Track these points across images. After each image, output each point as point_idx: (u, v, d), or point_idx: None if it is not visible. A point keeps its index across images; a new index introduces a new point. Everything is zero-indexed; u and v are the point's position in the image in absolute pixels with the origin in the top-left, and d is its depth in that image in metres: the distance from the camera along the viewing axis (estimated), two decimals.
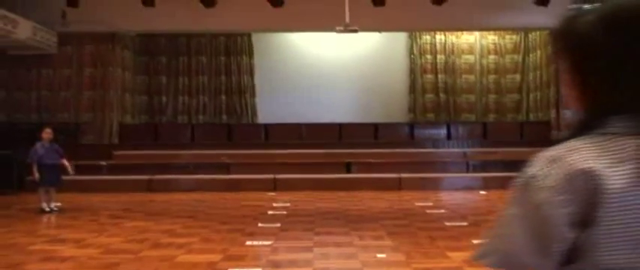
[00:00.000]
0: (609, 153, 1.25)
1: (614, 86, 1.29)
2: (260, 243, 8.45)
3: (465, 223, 10.12)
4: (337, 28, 15.57)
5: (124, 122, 19.36)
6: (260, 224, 10.14)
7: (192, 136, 19.38)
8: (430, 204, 12.69)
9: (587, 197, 1.22)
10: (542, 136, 18.70)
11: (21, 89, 18.80)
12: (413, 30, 20.50)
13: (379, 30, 18.86)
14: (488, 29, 20.29)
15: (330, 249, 8.08)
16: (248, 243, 8.46)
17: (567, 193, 1.23)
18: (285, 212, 11.70)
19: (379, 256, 7.57)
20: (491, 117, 21.09)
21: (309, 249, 7.96)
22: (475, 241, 8.40)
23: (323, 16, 16.50)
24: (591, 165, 1.23)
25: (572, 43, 1.38)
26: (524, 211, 1.27)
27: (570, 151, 1.28)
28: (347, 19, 15.47)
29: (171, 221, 10.65)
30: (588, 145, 1.27)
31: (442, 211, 11.80)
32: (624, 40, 1.28)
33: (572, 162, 1.26)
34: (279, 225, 10.05)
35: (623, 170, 1.22)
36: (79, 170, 15.89)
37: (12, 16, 16.02)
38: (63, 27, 17.96)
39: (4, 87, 18.82)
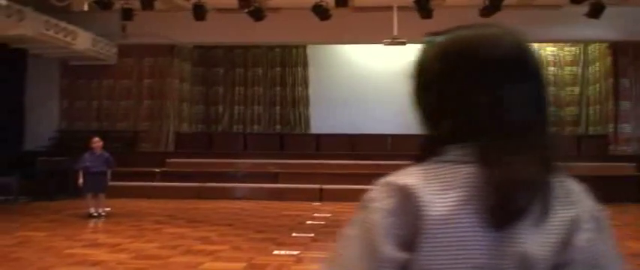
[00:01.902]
0: (439, 180, 1.27)
1: (449, 116, 1.32)
2: (287, 253, 8.58)
3: None
4: (385, 40, 15.62)
5: (181, 131, 19.83)
6: (294, 234, 10.26)
7: (244, 146, 19.69)
8: None
9: (413, 221, 1.24)
10: (600, 150, 18.32)
11: (82, 99, 19.50)
12: None
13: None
14: (541, 42, 19.96)
15: None
16: (275, 252, 8.59)
17: (396, 216, 1.25)
18: (323, 222, 11.80)
19: None
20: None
21: None
22: None
23: (371, 29, 16.59)
24: (417, 190, 1.25)
25: (416, 71, 1.42)
26: (358, 233, 1.29)
27: (404, 176, 1.30)
28: (395, 32, 15.52)
29: (209, 228, 10.89)
30: (421, 172, 1.29)
31: None
32: (457, 73, 1.31)
33: (402, 186, 1.29)
34: (312, 235, 10.16)
35: (449, 197, 1.24)
36: (134, 177, 16.50)
37: (71, 27, 16.66)
38: (123, 39, 18.54)
39: (67, 96, 19.54)
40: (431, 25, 15.37)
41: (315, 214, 12.86)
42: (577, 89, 20.80)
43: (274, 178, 16.94)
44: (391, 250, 1.25)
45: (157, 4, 16.16)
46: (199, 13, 15.96)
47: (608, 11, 16.19)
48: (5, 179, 14.88)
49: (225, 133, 20.95)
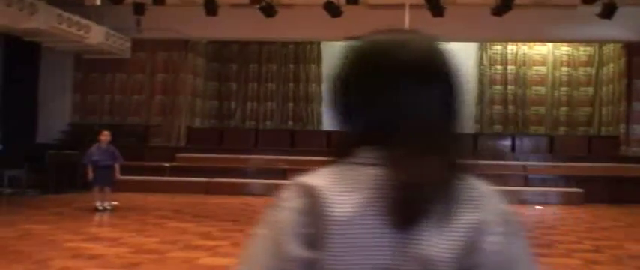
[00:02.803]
0: (346, 181, 1.29)
1: (360, 118, 1.34)
2: None
3: None
4: None
5: (193, 126, 19.92)
6: None
7: (255, 142, 19.74)
8: None
9: (319, 222, 1.26)
10: (611, 151, 18.20)
11: (95, 92, 19.64)
12: (476, 40, 20.26)
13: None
14: (556, 41, 19.86)
15: None
16: None
17: (303, 216, 1.27)
18: None
19: None
20: (562, 130, 20.60)
21: None
22: None
23: (383, 27, 16.48)
24: (324, 191, 1.27)
25: (334, 73, 1.45)
26: (267, 231, 1.32)
27: (314, 177, 1.32)
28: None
29: (212, 224, 10.95)
30: (331, 173, 1.31)
31: None
32: (367, 76, 1.33)
33: (310, 187, 1.32)
34: None
35: (353, 199, 1.26)
36: (144, 172, 16.62)
37: (85, 21, 16.76)
38: (137, 34, 18.62)
39: (80, 90, 19.69)
40: (442, 24, 15.49)
41: None
42: (591, 90, 20.65)
43: (283, 174, 16.96)
44: (297, 249, 1.28)
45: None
46: (211, 8, 16.01)
47: (623, 12, 16.05)
48: (15, 172, 15.04)
49: (237, 129, 21.02)
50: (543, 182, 16.48)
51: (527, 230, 1.45)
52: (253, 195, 15.69)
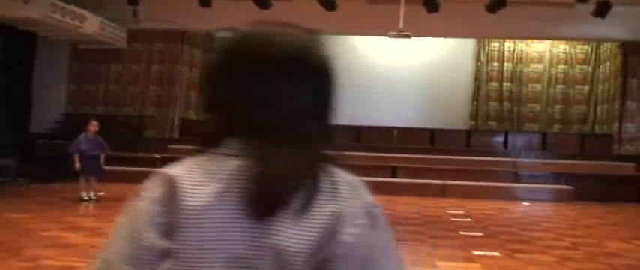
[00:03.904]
0: (204, 171, 1.31)
1: (225, 109, 1.36)
2: None
3: (480, 234, 10.00)
4: (390, 33, 15.59)
5: (187, 118, 19.94)
6: None
7: None
8: (461, 212, 12.57)
9: (175, 211, 1.29)
10: (604, 149, 18.19)
11: (90, 82, 19.67)
12: (472, 37, 20.19)
13: (430, 36, 18.70)
14: (552, 39, 19.81)
15: None
16: None
17: (160, 205, 1.30)
18: None
19: None
20: (556, 128, 20.57)
21: None
22: (476, 253, 8.35)
23: (378, 21, 16.54)
24: (181, 181, 1.30)
25: (205, 65, 1.47)
26: (127, 220, 1.35)
27: (176, 167, 1.36)
28: (401, 25, 15.47)
29: None
30: (192, 163, 1.34)
31: (468, 219, 11.68)
32: (232, 69, 1.34)
33: (168, 177, 1.34)
34: None
35: (209, 189, 1.28)
36: (136, 162, 16.64)
37: (79, 11, 16.76)
38: (134, 24, 18.62)
39: (75, 80, 19.73)
40: (437, 20, 15.45)
41: None
42: (586, 88, 20.60)
43: None
44: (153, 238, 1.31)
45: None
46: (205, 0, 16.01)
47: (620, 11, 16.01)
48: (5, 161, 15.07)
49: None
50: (534, 179, 16.47)
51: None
52: None
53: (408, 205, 13.43)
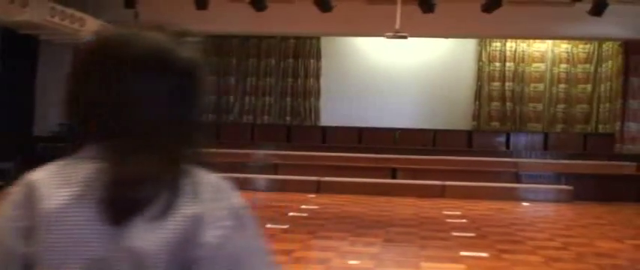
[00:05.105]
0: (63, 175, 1.32)
1: (85, 112, 1.37)
2: None
3: (472, 234, 9.96)
4: (386, 33, 15.58)
5: None
6: (268, 225, 10.27)
7: (252, 136, 19.79)
8: (458, 213, 12.51)
9: (33, 215, 1.30)
10: (606, 149, 18.11)
11: None
12: (470, 37, 20.11)
13: (429, 36, 18.68)
14: (553, 38, 19.73)
15: (310, 253, 8.20)
16: None
17: (20, 209, 1.32)
18: (306, 214, 11.84)
19: (351, 262, 7.62)
20: (559, 127, 20.45)
21: (288, 252, 8.06)
22: (463, 253, 8.33)
23: (374, 22, 16.53)
24: (40, 185, 1.32)
25: (70, 69, 1.47)
26: None
27: (38, 171, 1.37)
28: (397, 25, 15.46)
29: None
30: (54, 168, 1.35)
31: (463, 220, 11.63)
32: (90, 72, 1.36)
33: (29, 181, 1.36)
34: (287, 226, 10.20)
35: (67, 192, 1.29)
36: None
37: (79, 14, 16.85)
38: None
39: None
40: (434, 20, 15.42)
41: (303, 206, 12.88)
42: (589, 87, 20.48)
43: (274, 169, 17.01)
44: (13, 243, 1.33)
45: None
46: (201, 2, 16.03)
47: (622, 9, 15.94)
48: (4, 164, 15.13)
49: (234, 124, 21.05)
50: (534, 179, 16.40)
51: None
52: (244, 189, 15.66)
53: (406, 207, 13.40)
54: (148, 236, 1.27)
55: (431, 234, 9.88)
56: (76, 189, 1.29)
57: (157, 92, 1.36)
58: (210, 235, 1.30)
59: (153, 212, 1.28)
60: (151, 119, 1.35)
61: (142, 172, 1.30)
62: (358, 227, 10.33)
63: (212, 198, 1.34)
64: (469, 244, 9.00)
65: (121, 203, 1.28)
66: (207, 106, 1.46)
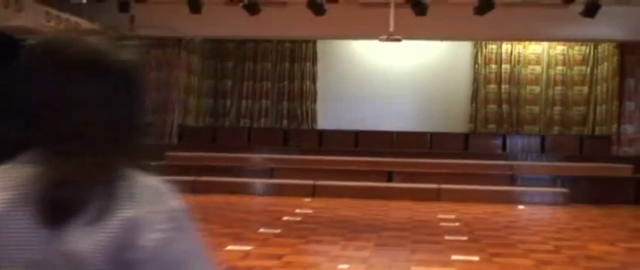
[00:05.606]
0: (4, 179, 1.31)
1: (24, 117, 1.35)
2: (240, 248, 8.61)
3: (464, 238, 9.94)
4: (381, 36, 15.58)
5: (186, 124, 19.99)
6: (261, 230, 10.27)
7: (248, 140, 19.78)
8: (452, 217, 12.49)
9: None
10: (602, 151, 18.10)
11: None
12: (465, 39, 20.10)
13: (423, 38, 18.68)
14: (548, 40, 19.72)
15: (300, 257, 8.18)
16: (229, 248, 8.62)
17: None
18: (299, 218, 11.82)
19: (341, 266, 7.60)
20: (556, 129, 20.45)
21: (279, 257, 8.05)
22: (454, 257, 8.31)
23: (368, 25, 16.51)
24: None
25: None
26: None
27: None
28: (391, 28, 15.45)
29: None
30: None
31: (457, 224, 11.61)
32: (28, 75, 1.35)
33: None
34: (279, 231, 10.18)
35: (5, 196, 1.28)
36: None
37: (74, 19, 16.86)
38: (129, 31, 18.66)
39: None
40: (428, 23, 15.41)
41: (297, 210, 12.86)
42: (585, 89, 20.47)
43: (270, 173, 16.99)
44: None
45: None
46: (194, 6, 16.03)
47: (616, 10, 15.94)
48: None
49: (231, 127, 21.06)
50: (530, 182, 16.38)
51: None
52: (241, 193, 15.63)
53: (401, 210, 13.37)
54: (85, 240, 1.28)
55: (423, 238, 9.87)
56: (12, 193, 1.29)
57: (91, 94, 1.37)
58: (148, 238, 1.30)
59: (89, 216, 1.28)
60: (87, 121, 1.36)
61: (76, 175, 1.30)
62: (351, 231, 10.31)
63: (150, 201, 1.34)
64: (461, 248, 8.97)
65: (56, 206, 1.28)
66: (147, 108, 1.46)
